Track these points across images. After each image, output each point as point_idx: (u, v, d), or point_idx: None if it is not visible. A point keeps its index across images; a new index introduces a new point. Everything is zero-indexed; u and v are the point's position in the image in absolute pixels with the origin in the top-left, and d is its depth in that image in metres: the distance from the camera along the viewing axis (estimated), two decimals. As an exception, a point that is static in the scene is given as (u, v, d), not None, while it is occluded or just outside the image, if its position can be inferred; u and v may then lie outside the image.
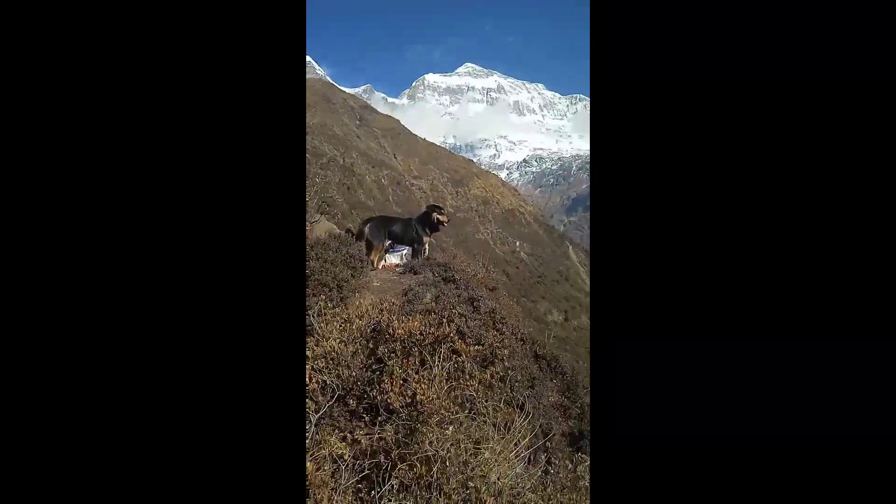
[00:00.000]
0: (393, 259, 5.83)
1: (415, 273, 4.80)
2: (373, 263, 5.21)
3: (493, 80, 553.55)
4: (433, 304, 3.49)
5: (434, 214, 5.58)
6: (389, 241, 5.54)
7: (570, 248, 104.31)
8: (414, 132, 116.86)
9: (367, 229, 5.42)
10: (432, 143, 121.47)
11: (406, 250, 5.89)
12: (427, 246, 5.55)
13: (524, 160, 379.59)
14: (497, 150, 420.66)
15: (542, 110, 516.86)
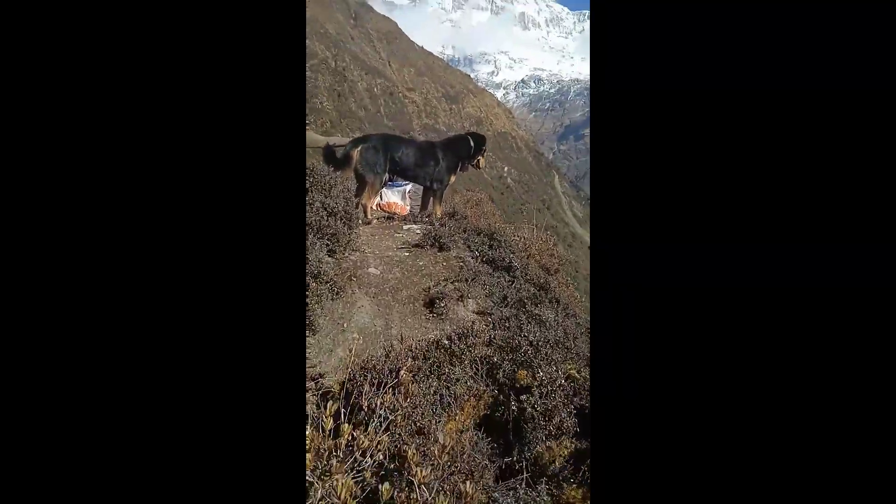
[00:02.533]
0: (393, 197, 4.52)
1: (440, 245, 3.31)
2: (365, 212, 3.79)
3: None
4: (493, 349, 2.23)
5: (477, 151, 4.05)
6: (390, 176, 4.00)
7: (557, 177, 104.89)
8: (412, 38, 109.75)
9: (358, 153, 3.68)
10: (430, 54, 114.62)
11: (409, 186, 4.54)
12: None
13: (522, 80, 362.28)
14: (496, 67, 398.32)
15: (547, 25, 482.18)
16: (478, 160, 4.13)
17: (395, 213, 4.47)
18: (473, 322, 2.56)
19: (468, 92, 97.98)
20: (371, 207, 3.89)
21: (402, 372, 1.81)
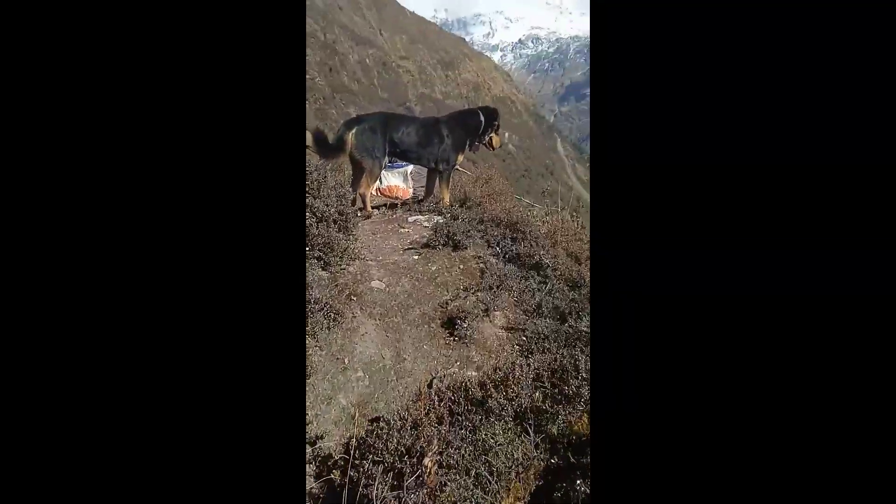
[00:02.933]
0: (394, 180, 4.07)
1: (454, 244, 2.84)
2: (364, 203, 3.42)
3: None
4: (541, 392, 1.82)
5: (488, 127, 3.54)
6: (389, 159, 3.46)
7: (559, 140, 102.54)
8: (402, 4, 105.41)
9: (353, 136, 3.25)
10: (422, 19, 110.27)
11: (411, 167, 4.01)
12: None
13: (520, 41, 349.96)
14: (492, 28, 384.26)
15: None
16: (490, 138, 3.62)
17: (397, 198, 4.06)
18: (514, 365, 1.99)
19: (464, 56, 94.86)
20: (370, 195, 3.51)
21: (426, 461, 1.46)
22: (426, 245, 2.94)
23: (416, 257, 2.86)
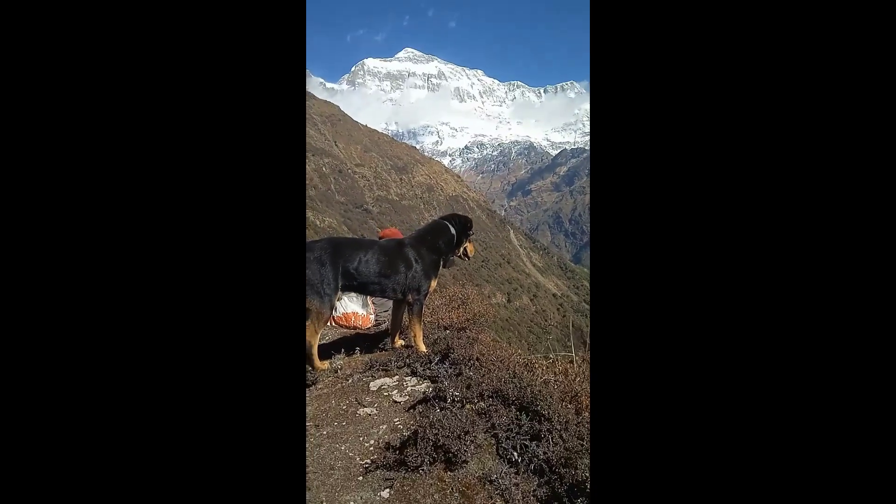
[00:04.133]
0: (352, 306, 3.54)
1: (446, 457, 1.81)
2: (310, 359, 2.63)
3: (434, 65, 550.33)
4: None
5: (462, 238, 2.97)
6: (344, 293, 2.85)
7: (512, 231, 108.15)
8: (355, 119, 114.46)
9: None
10: (374, 130, 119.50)
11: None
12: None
13: (466, 146, 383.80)
14: (439, 137, 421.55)
15: (481, 97, 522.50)
16: (464, 248, 2.99)
17: (355, 328, 3.49)
18: None
19: (416, 162, 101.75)
20: (315, 359, 2.66)
21: None
22: (401, 461, 1.79)
23: (385, 496, 1.73)
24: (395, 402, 2.26)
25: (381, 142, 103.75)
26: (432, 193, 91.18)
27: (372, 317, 3.62)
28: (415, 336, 2.73)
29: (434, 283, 2.87)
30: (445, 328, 3.29)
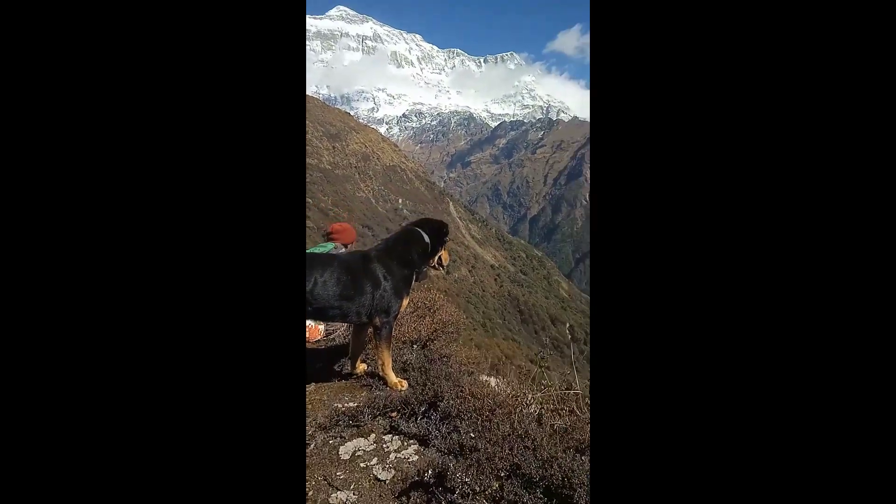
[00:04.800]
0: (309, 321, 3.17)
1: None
2: None
3: (369, 26, 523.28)
4: None
5: (437, 246, 2.50)
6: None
7: (451, 203, 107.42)
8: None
9: None
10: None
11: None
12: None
13: (404, 115, 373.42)
14: (375, 104, 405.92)
15: (420, 63, 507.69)
16: (439, 257, 2.48)
17: (307, 341, 3.14)
18: None
19: (350, 129, 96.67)
20: None
21: None
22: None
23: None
24: (379, 479, 1.69)
25: (312, 107, 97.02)
26: (368, 163, 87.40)
27: (321, 327, 3.22)
28: (383, 365, 2.31)
29: (406, 302, 2.38)
30: (412, 343, 2.89)
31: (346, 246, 3.48)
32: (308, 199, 63.38)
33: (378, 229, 68.89)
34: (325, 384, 2.37)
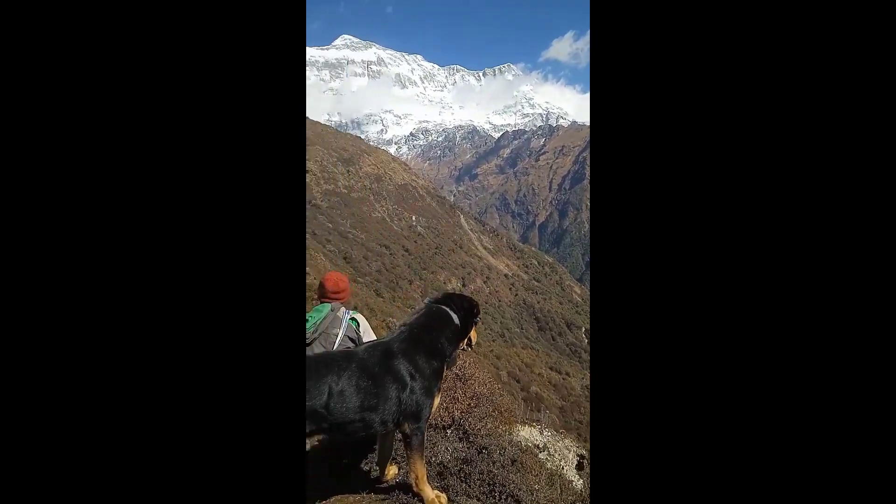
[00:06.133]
0: None
1: None
2: None
3: (373, 52, 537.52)
4: None
5: (468, 326, 2.14)
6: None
7: (462, 216, 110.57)
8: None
9: None
10: (317, 122, 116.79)
11: (340, 336, 2.56)
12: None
13: (411, 133, 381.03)
14: (384, 126, 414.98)
15: (423, 82, 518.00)
16: (468, 337, 2.24)
17: None
18: None
19: (362, 152, 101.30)
20: None
21: None
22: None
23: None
24: None
25: (325, 134, 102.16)
26: (381, 183, 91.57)
27: None
28: (417, 479, 1.94)
29: (437, 400, 2.02)
30: (445, 428, 2.50)
31: (343, 304, 2.69)
32: (328, 224, 67.09)
33: (395, 247, 72.41)
34: (350, 497, 2.03)
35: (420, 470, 1.94)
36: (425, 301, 2.22)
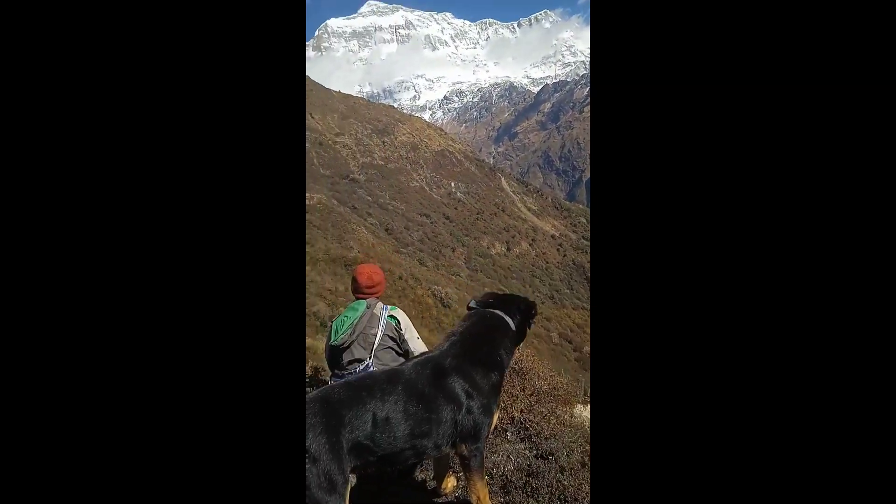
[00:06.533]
0: None
1: None
2: None
3: (400, 15, 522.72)
4: None
5: (525, 327, 1.96)
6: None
7: (503, 178, 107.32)
8: (327, 86, 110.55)
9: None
10: (349, 95, 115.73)
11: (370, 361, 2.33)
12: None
13: (445, 97, 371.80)
14: (417, 91, 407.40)
15: (454, 41, 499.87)
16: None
17: None
18: None
19: (396, 122, 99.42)
20: None
21: None
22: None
23: None
24: None
25: (358, 106, 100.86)
26: (418, 152, 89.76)
27: None
28: (479, 500, 1.76)
29: (496, 417, 1.83)
30: (504, 430, 2.42)
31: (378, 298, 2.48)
32: (367, 197, 66.85)
33: (435, 216, 71.29)
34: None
35: (481, 490, 1.77)
36: (472, 303, 1.96)
